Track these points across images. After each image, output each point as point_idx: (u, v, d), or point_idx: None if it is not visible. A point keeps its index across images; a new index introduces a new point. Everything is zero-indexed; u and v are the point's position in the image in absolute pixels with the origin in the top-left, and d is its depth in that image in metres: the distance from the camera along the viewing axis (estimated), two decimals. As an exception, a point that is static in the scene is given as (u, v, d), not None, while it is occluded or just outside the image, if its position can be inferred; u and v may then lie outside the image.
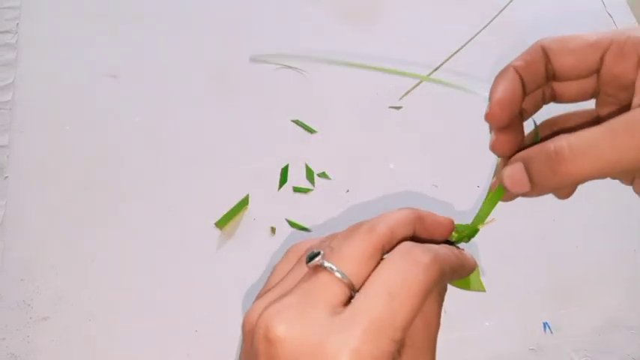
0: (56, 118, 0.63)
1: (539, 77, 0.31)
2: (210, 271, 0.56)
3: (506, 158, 0.32)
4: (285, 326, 0.25)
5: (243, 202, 0.59)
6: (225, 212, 0.58)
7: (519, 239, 0.59)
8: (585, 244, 0.59)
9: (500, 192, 0.32)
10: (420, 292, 0.26)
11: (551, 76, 0.31)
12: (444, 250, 0.28)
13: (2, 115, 0.62)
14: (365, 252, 0.27)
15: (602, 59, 0.30)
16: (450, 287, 0.31)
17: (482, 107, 0.31)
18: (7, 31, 0.68)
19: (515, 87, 0.30)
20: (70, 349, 0.51)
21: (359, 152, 0.63)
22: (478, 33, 0.66)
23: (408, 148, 0.64)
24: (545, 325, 0.55)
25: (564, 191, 0.33)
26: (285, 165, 0.61)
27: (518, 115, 0.32)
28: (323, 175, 0.61)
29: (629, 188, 0.33)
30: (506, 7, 0.71)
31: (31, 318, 0.52)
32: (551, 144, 0.28)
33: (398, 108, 0.66)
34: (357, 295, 0.26)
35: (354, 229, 0.28)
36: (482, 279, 0.33)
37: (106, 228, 0.57)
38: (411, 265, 0.26)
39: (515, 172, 0.29)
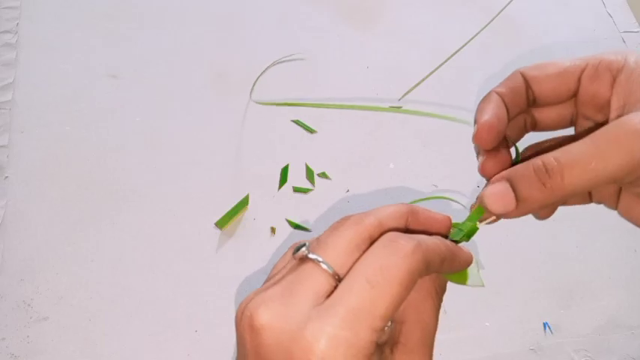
0: (56, 118, 0.63)
1: (520, 102, 0.32)
2: (210, 271, 0.56)
3: None
4: (268, 315, 0.26)
5: (243, 202, 0.59)
6: (225, 212, 0.58)
7: (519, 239, 0.59)
8: (585, 244, 0.59)
9: (479, 212, 0.31)
10: (400, 280, 0.25)
11: (531, 101, 0.32)
12: (432, 240, 0.28)
13: (2, 115, 0.62)
14: (350, 242, 0.27)
15: (579, 81, 0.31)
16: (449, 286, 0.31)
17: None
18: (7, 31, 0.68)
19: (499, 110, 0.31)
20: (70, 349, 0.51)
21: (359, 152, 0.63)
22: (478, 33, 0.66)
23: (407, 148, 0.64)
24: (545, 325, 0.55)
25: (545, 210, 0.33)
26: (285, 165, 0.61)
27: (503, 139, 0.32)
28: (323, 175, 0.61)
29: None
30: (506, 7, 0.71)
31: (31, 318, 0.52)
32: (539, 159, 0.28)
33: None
34: (339, 285, 0.26)
35: (342, 222, 0.28)
36: (482, 276, 0.33)
37: (106, 228, 0.57)
38: (391, 253, 0.26)
39: (498, 190, 0.29)
